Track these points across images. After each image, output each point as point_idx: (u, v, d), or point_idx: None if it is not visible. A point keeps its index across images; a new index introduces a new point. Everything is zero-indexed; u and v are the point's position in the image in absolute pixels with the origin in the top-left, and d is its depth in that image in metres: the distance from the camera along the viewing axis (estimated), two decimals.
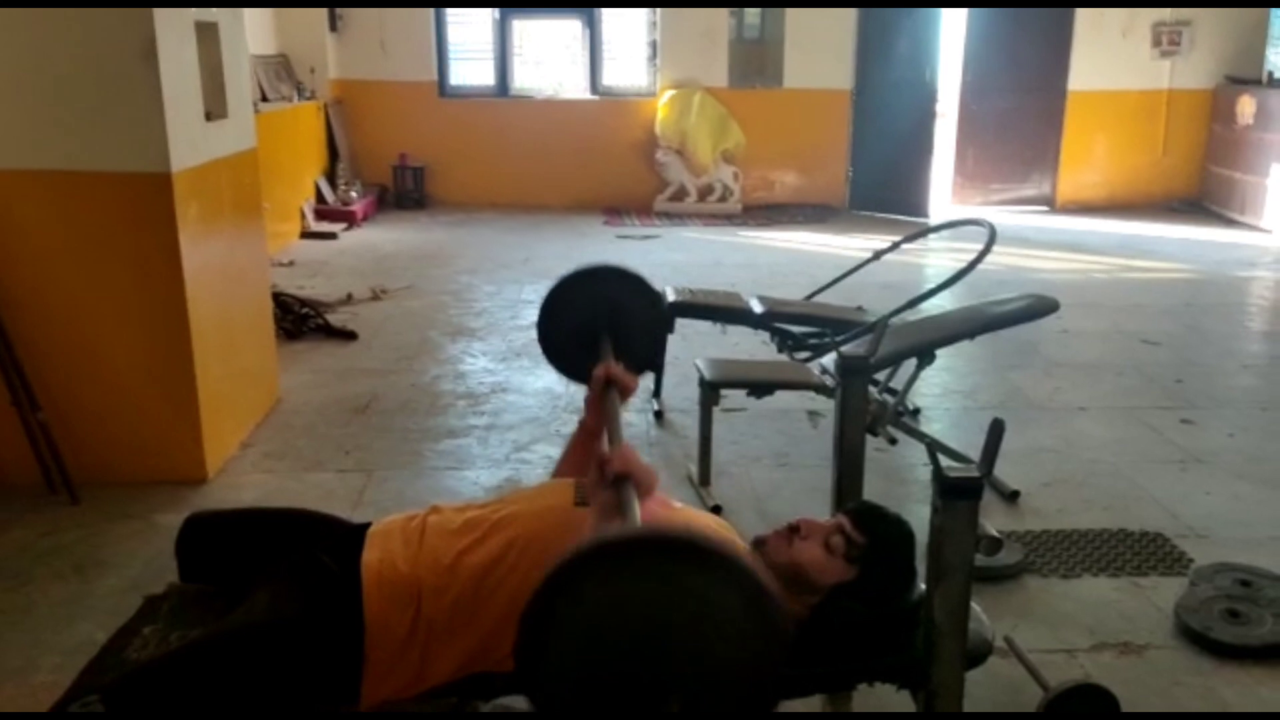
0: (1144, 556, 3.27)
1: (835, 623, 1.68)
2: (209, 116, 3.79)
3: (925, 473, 3.83)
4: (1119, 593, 3.07)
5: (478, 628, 1.63)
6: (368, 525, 1.83)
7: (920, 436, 3.70)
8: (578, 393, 4.76)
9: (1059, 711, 2.32)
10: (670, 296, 4.41)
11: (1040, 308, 3.70)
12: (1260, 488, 3.80)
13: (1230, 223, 9.14)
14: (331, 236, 8.18)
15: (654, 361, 2.21)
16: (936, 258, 7.49)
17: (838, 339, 3.80)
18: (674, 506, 1.86)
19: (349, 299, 6.26)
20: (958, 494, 1.49)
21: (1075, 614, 2.95)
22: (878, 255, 4.70)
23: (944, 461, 1.49)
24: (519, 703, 1.94)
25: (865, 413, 2.11)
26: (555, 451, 4.06)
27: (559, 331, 2.23)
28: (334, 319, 5.70)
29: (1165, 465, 4.00)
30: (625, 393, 1.90)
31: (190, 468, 3.67)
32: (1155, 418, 4.49)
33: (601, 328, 2.15)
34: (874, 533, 1.74)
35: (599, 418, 1.95)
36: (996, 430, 1.49)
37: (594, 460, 1.58)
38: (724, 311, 4.49)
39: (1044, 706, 2.33)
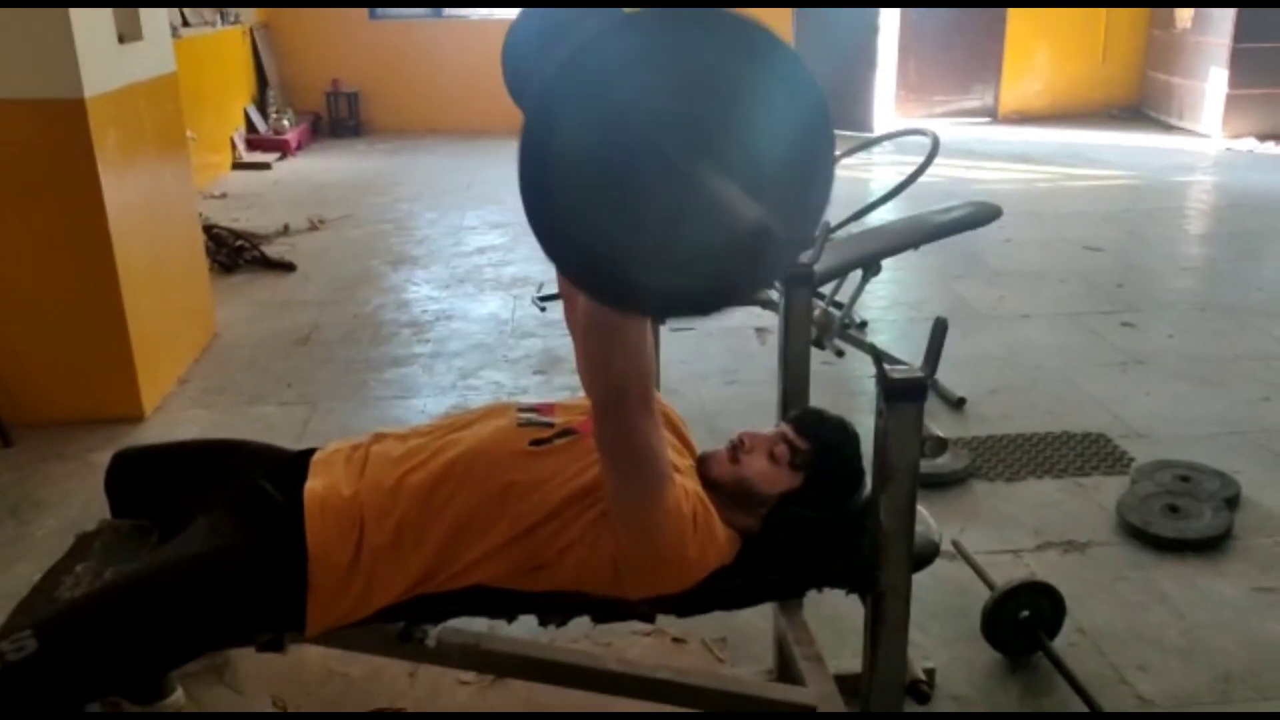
0: (1087, 457, 3.32)
1: (786, 529, 1.67)
2: (122, 39, 3.61)
3: (873, 384, 3.85)
4: (1063, 493, 3.12)
5: (425, 549, 1.60)
6: (310, 451, 1.78)
7: (864, 346, 3.71)
8: (524, 318, 4.73)
9: (1005, 609, 2.36)
10: None
11: (983, 215, 3.69)
12: (1198, 386, 3.87)
13: (1169, 128, 9.21)
14: (265, 167, 7.96)
15: None
16: (880, 171, 7.47)
17: None
18: None
19: (286, 230, 6.10)
20: (901, 395, 1.47)
21: (1020, 515, 3.00)
22: None
23: (887, 366, 1.48)
24: (474, 624, 1.92)
25: (810, 323, 2.09)
26: (502, 377, 4.04)
27: None
28: (271, 251, 5.56)
29: (1107, 368, 4.05)
30: None
31: (126, 405, 3.58)
32: (1097, 322, 4.54)
33: None
34: (817, 437, 1.72)
35: None
36: (939, 330, 1.47)
37: None
38: None
39: (991, 605, 2.37)
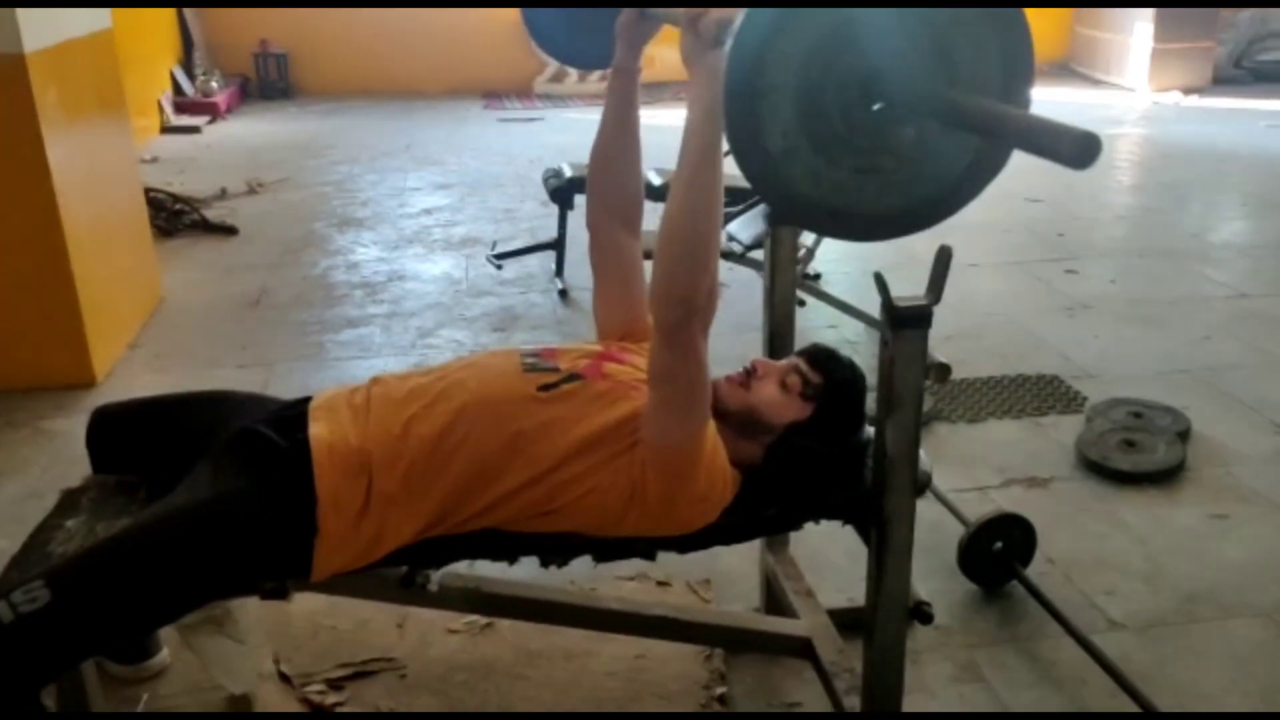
0: (1042, 398, 3.42)
1: (789, 460, 1.69)
2: None
3: (832, 334, 3.91)
4: (1022, 433, 3.21)
5: (434, 495, 1.58)
6: (306, 400, 1.75)
7: (827, 297, 3.76)
8: (478, 278, 4.70)
9: (980, 541, 2.43)
10: (567, 173, 4.32)
11: None
12: (1142, 328, 4.00)
13: (1096, 83, 9.41)
14: (194, 130, 7.73)
15: None
16: None
17: (741, 205, 3.78)
18: None
19: (223, 194, 5.95)
20: (907, 323, 1.50)
21: (984, 455, 3.08)
22: None
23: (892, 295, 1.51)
24: (483, 569, 1.93)
25: (795, 263, 2.11)
26: (461, 335, 4.01)
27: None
28: (210, 215, 5.42)
29: (1055, 313, 4.16)
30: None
31: (77, 371, 3.48)
32: (1042, 270, 4.65)
33: None
34: (829, 371, 1.74)
35: (634, 45, 1.85)
36: (944, 257, 1.50)
37: (683, 26, 1.53)
38: None
39: (967, 538, 2.43)
